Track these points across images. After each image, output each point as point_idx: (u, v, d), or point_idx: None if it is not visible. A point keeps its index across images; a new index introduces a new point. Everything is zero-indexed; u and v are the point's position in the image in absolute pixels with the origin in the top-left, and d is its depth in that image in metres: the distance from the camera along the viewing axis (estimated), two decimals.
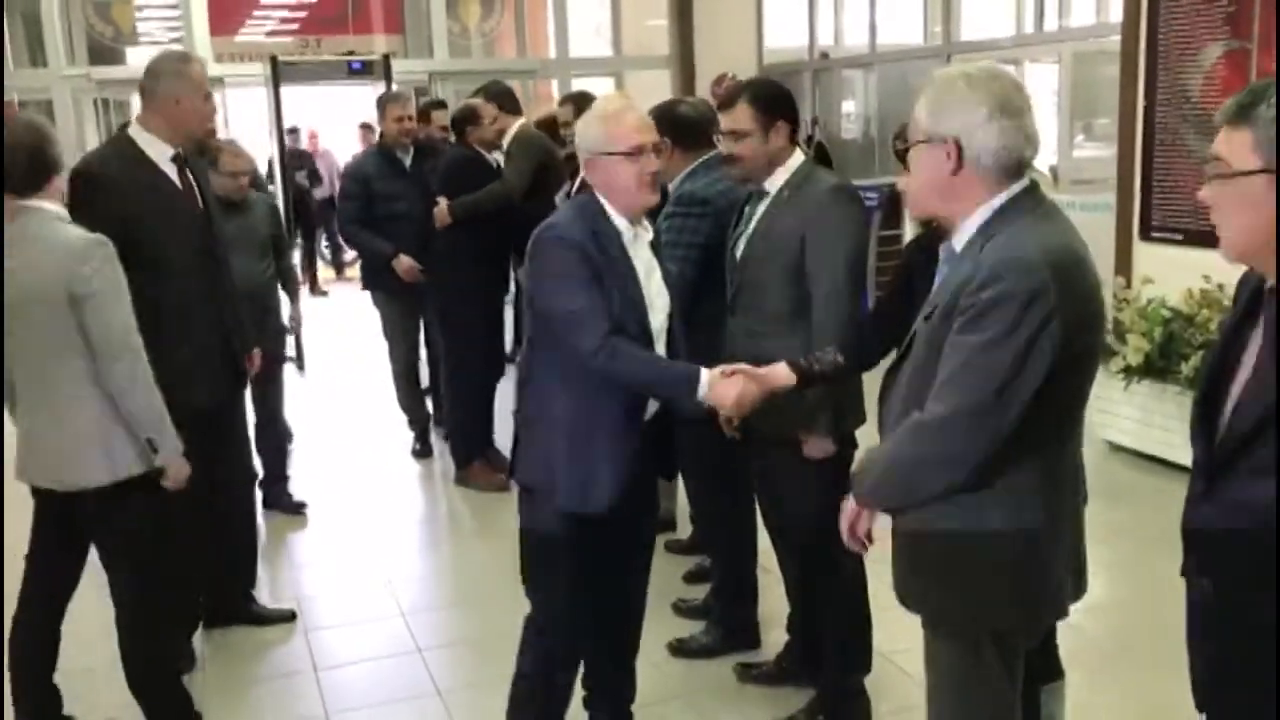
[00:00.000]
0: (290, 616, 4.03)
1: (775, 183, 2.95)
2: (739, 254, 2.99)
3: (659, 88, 10.49)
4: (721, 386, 2.56)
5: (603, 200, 2.64)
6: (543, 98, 11.07)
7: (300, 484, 5.31)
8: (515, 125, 5.51)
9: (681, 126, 3.48)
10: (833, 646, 3.11)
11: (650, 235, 2.73)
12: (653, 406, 2.71)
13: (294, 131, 11.36)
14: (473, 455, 5.42)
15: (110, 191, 3.27)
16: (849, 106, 10.09)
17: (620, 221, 2.63)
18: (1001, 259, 1.88)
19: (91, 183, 3.26)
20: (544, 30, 11.28)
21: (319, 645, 3.84)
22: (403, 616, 4.03)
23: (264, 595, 4.17)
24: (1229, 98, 1.65)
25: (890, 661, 3.38)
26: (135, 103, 4.38)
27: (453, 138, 5.59)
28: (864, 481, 2.15)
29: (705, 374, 2.57)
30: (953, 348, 1.92)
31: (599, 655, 2.93)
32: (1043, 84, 8.71)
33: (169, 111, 3.40)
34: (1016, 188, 1.99)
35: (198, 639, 3.75)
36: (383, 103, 5.91)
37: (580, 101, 5.29)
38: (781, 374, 2.62)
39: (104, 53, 10.58)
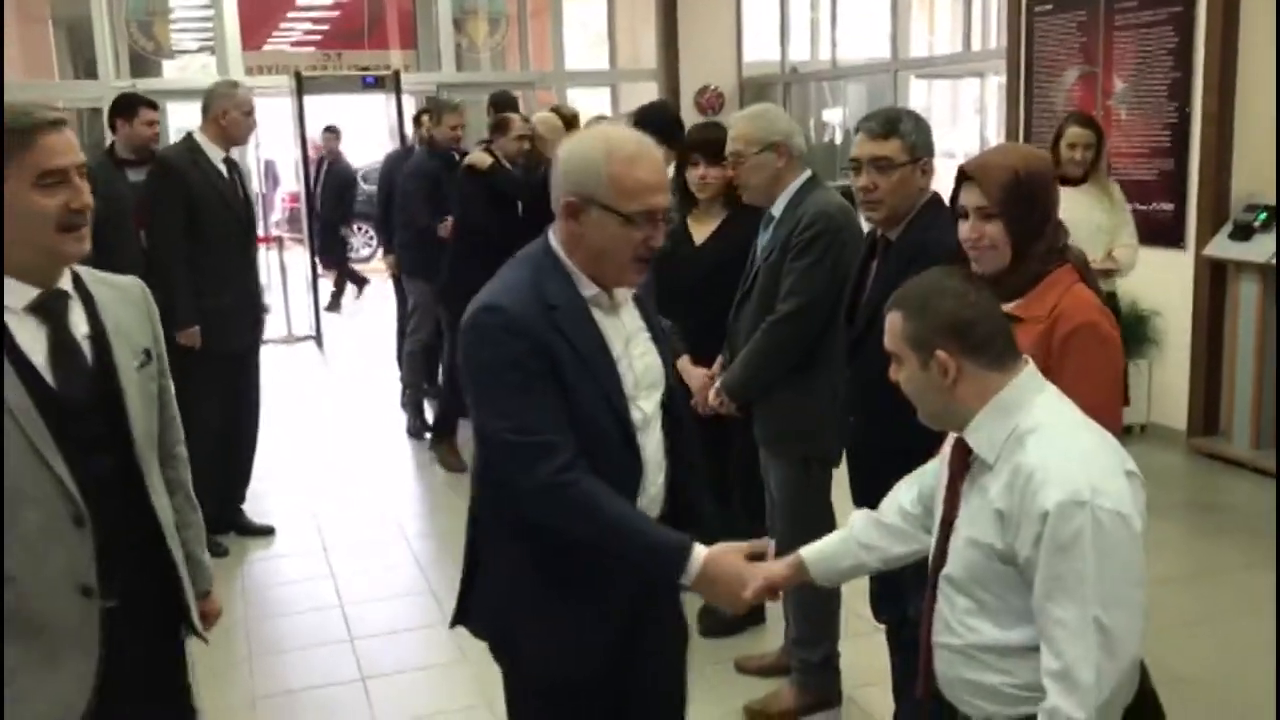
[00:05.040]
0: (270, 531, 5.00)
1: None
2: None
3: (648, 98, 11.53)
4: (720, 581, 1.92)
5: (566, 259, 1.99)
6: (544, 105, 12.06)
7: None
8: None
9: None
10: (705, 519, 4.18)
11: (633, 290, 2.11)
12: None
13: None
14: (448, 434, 5.95)
15: (179, 175, 4.55)
16: (817, 116, 11.15)
17: (589, 289, 1.99)
18: (816, 210, 3.05)
19: (167, 167, 4.59)
20: (547, 44, 12.23)
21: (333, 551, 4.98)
22: (406, 540, 5.11)
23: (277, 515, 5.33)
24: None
25: None
26: (169, 109, 5.62)
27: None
28: (729, 383, 3.20)
29: (700, 554, 1.90)
30: (790, 270, 3.06)
31: None
32: (972, 96, 9.79)
33: (218, 123, 4.62)
34: (806, 175, 3.16)
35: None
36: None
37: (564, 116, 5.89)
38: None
39: (145, 65, 11.65)
